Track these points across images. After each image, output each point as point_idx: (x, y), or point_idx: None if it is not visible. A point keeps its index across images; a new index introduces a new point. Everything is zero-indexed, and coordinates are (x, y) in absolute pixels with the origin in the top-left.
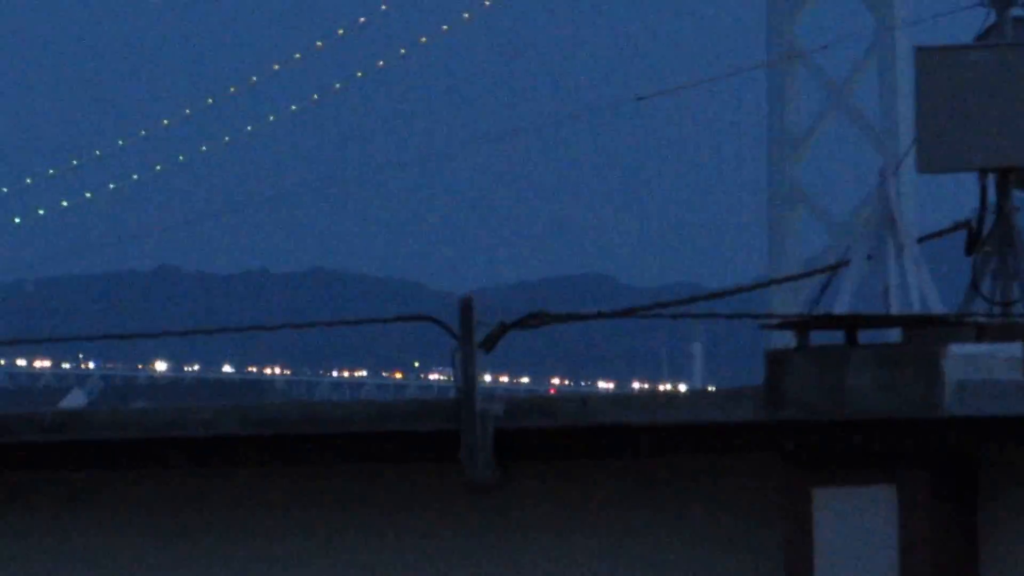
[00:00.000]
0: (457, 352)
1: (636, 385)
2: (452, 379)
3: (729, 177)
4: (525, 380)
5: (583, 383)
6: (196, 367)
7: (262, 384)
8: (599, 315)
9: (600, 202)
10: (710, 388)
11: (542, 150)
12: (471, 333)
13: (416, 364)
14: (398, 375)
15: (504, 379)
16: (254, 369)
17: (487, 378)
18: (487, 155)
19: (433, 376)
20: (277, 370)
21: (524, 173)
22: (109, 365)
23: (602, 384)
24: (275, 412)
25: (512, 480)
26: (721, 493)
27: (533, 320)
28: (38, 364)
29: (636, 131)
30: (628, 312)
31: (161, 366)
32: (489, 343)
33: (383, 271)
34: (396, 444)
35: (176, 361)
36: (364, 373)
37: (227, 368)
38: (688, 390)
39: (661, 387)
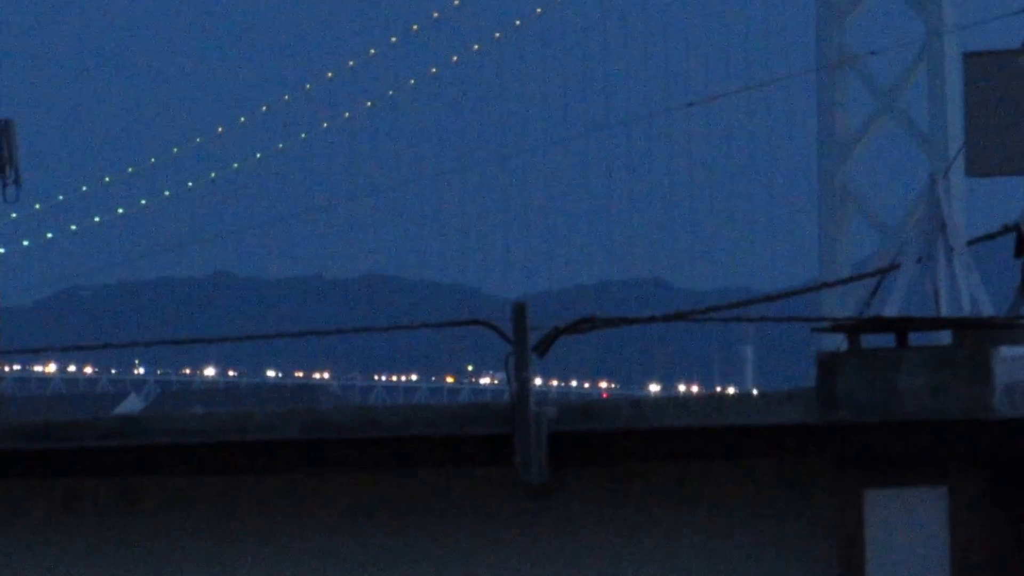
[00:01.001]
0: (511, 356)
1: (688, 388)
2: (505, 383)
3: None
4: (574, 384)
5: (634, 387)
6: (254, 372)
7: (315, 389)
8: (650, 319)
9: (653, 207)
10: (762, 391)
11: (596, 155)
12: (525, 338)
13: (469, 368)
14: (450, 379)
15: (554, 383)
16: (301, 374)
17: (538, 382)
18: (542, 159)
19: (485, 380)
20: (327, 375)
21: (578, 177)
22: (161, 371)
23: (652, 388)
24: (332, 416)
25: (566, 483)
26: (773, 495)
27: (585, 325)
28: (91, 370)
29: (688, 137)
30: (679, 316)
31: (210, 371)
32: (542, 348)
33: (437, 276)
34: (451, 448)
35: (229, 366)
36: (415, 377)
37: (273, 372)
38: (740, 393)
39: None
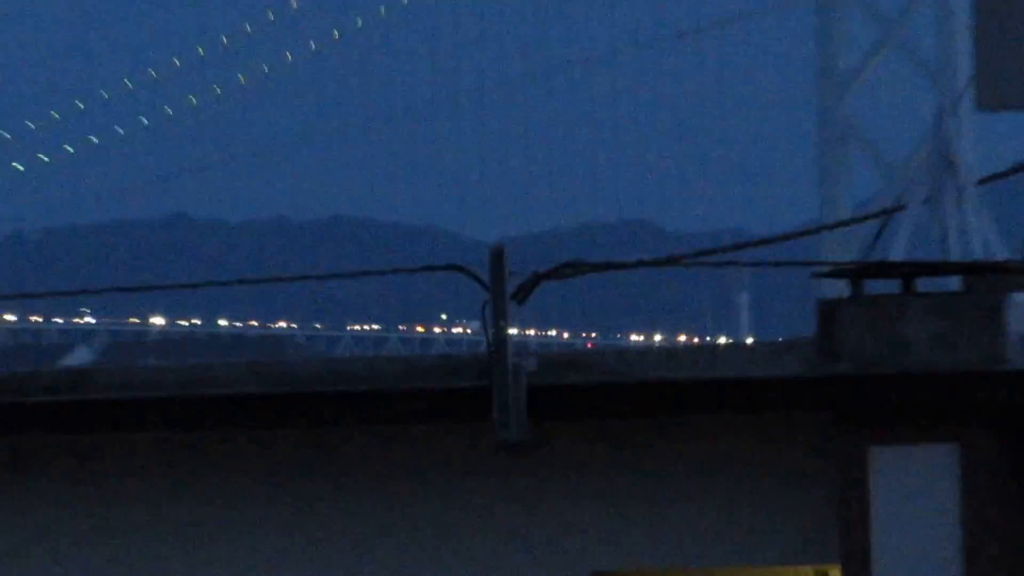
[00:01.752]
0: (487, 304)
1: (678, 338)
2: (482, 333)
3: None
4: (552, 334)
5: (617, 336)
6: (208, 321)
7: (279, 339)
8: (638, 264)
9: (641, 145)
10: (757, 341)
11: (579, 90)
12: (503, 284)
13: (443, 317)
14: (420, 329)
15: (531, 332)
16: (255, 323)
17: (516, 332)
18: (521, 95)
19: (460, 330)
20: (291, 324)
21: (560, 114)
22: (113, 321)
23: (636, 338)
24: (295, 369)
25: (547, 440)
26: (770, 453)
27: (568, 270)
28: (38, 319)
29: (677, 70)
30: (670, 260)
31: (159, 320)
32: (522, 294)
33: (410, 219)
34: (423, 402)
35: (186, 315)
36: (385, 327)
37: (225, 321)
38: (734, 343)
39: (705, 340)
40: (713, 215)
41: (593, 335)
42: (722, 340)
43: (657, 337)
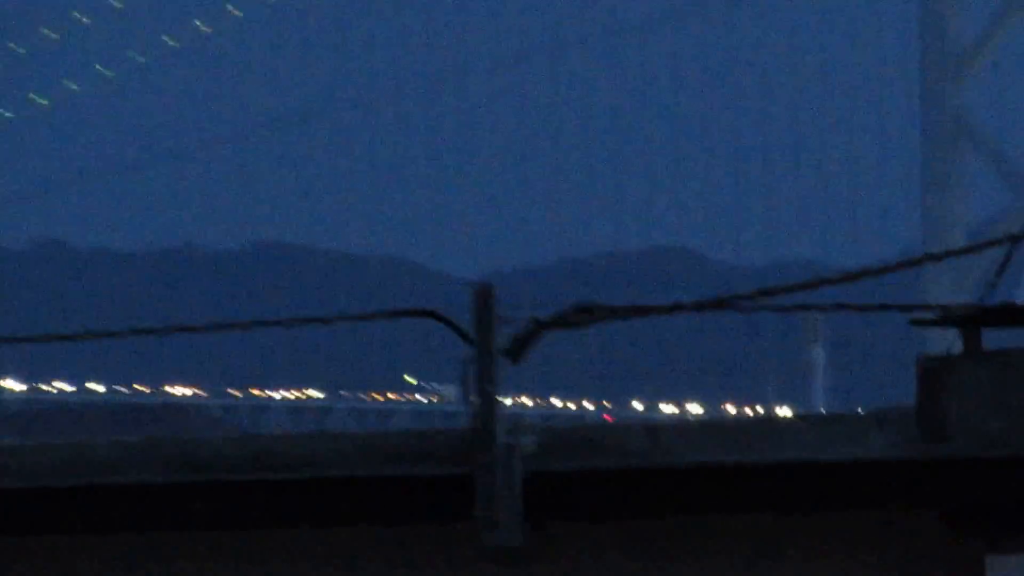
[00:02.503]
0: (471, 363)
1: (729, 410)
2: (461, 402)
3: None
4: (556, 403)
5: (643, 408)
6: (82, 386)
7: (184, 410)
8: (675, 308)
9: (676, 151)
10: (836, 413)
11: (591, 72)
12: (491, 335)
13: (409, 381)
14: (377, 397)
15: (528, 402)
16: (164, 387)
17: (507, 401)
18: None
19: (431, 398)
20: (201, 392)
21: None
22: None
23: (669, 409)
24: (209, 450)
25: (550, 546)
26: (854, 564)
27: (580, 316)
28: None
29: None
30: (719, 303)
31: (15, 385)
32: (517, 350)
33: (360, 246)
34: (382, 496)
35: (51, 376)
36: (329, 394)
37: (119, 387)
38: (804, 416)
39: (764, 412)
40: (775, 242)
41: (611, 405)
42: (786, 412)
43: (696, 409)
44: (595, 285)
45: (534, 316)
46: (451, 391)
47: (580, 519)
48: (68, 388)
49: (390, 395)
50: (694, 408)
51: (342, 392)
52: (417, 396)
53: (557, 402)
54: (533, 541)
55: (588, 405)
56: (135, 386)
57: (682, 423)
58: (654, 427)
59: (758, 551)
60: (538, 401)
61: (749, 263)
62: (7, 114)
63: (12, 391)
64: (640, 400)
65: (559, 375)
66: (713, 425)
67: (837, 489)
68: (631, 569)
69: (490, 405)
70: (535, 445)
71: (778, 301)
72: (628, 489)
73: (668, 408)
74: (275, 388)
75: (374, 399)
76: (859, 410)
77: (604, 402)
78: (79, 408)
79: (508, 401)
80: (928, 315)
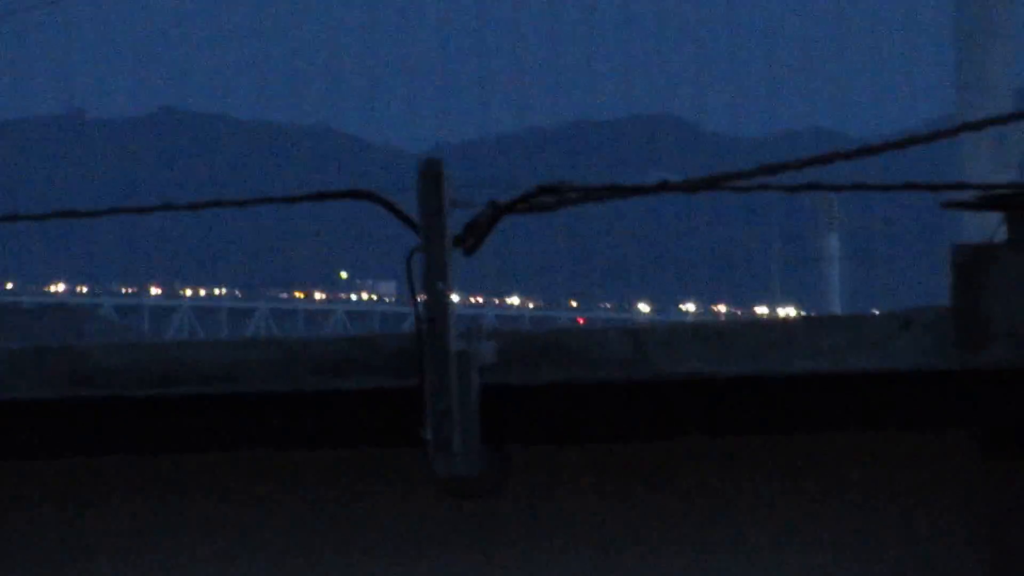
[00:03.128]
0: (416, 254)
1: (722, 310)
2: (405, 301)
3: None
4: (516, 303)
5: (619, 309)
6: None
7: (72, 312)
8: (660, 188)
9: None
10: (854, 315)
11: None
12: (440, 220)
13: (342, 276)
14: (300, 295)
15: (483, 301)
16: (45, 286)
17: (459, 300)
18: None
19: (367, 296)
20: (91, 290)
21: None
22: None
23: (648, 310)
24: (101, 359)
25: (514, 476)
26: (875, 493)
27: (546, 197)
28: None
29: None
30: (712, 181)
31: None
32: (472, 238)
33: (283, 114)
34: (311, 414)
35: None
36: (246, 292)
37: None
38: (816, 318)
39: (766, 312)
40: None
41: (582, 306)
42: (793, 314)
43: (688, 308)
44: (565, 160)
45: (490, 198)
46: (391, 289)
47: (548, 442)
48: None
49: (319, 294)
50: (685, 309)
51: (262, 290)
52: (351, 295)
53: (519, 302)
54: (492, 468)
55: (556, 305)
56: (7, 285)
57: (670, 327)
58: (636, 331)
59: (759, 478)
60: (497, 301)
61: (750, 134)
62: None
63: None
64: (619, 300)
65: (522, 270)
66: (707, 329)
67: (855, 406)
68: (607, 500)
69: (440, 305)
70: (494, 353)
71: (784, 179)
72: (605, 406)
73: (652, 309)
74: (181, 286)
75: (300, 299)
76: (877, 311)
77: (574, 302)
78: None
79: (461, 300)
80: (965, 196)
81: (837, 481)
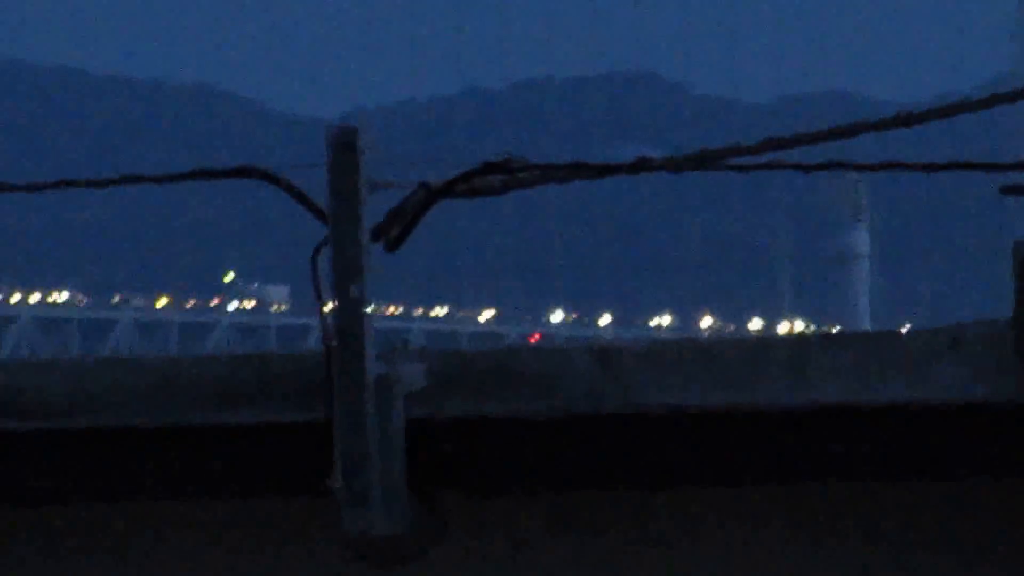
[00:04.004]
0: (324, 248)
1: (706, 324)
2: (307, 311)
3: None
4: (443, 314)
5: (584, 320)
6: None
7: None
8: (639, 166)
9: None
10: (888, 331)
11: None
12: (354, 206)
13: (229, 277)
14: (163, 302)
15: (402, 311)
16: None
17: (380, 310)
18: None
19: (254, 303)
20: None
21: None
22: None
23: (620, 323)
24: None
25: (448, 534)
26: (910, 549)
27: (491, 178)
28: None
29: None
30: (702, 158)
31: None
32: (397, 228)
33: (150, 68)
34: (188, 455)
35: None
36: (101, 298)
37: None
38: (838, 333)
39: (762, 327)
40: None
41: (533, 318)
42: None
43: (661, 322)
44: (516, 129)
45: (423, 179)
46: (283, 294)
47: (493, 490)
48: None
49: (193, 301)
50: (664, 322)
51: (124, 296)
52: (235, 302)
53: (452, 313)
54: (420, 524)
55: (501, 318)
56: None
57: (648, 347)
58: (605, 352)
59: (761, 535)
60: (425, 311)
61: (752, 98)
62: None
63: None
64: (581, 311)
65: (457, 272)
66: (698, 349)
67: (887, 447)
68: (566, 562)
69: (354, 316)
70: (424, 378)
71: (795, 155)
72: (566, 446)
73: (622, 323)
74: (21, 288)
75: (172, 307)
76: (915, 326)
77: (525, 314)
78: None
79: (381, 310)
80: None
81: (862, 539)
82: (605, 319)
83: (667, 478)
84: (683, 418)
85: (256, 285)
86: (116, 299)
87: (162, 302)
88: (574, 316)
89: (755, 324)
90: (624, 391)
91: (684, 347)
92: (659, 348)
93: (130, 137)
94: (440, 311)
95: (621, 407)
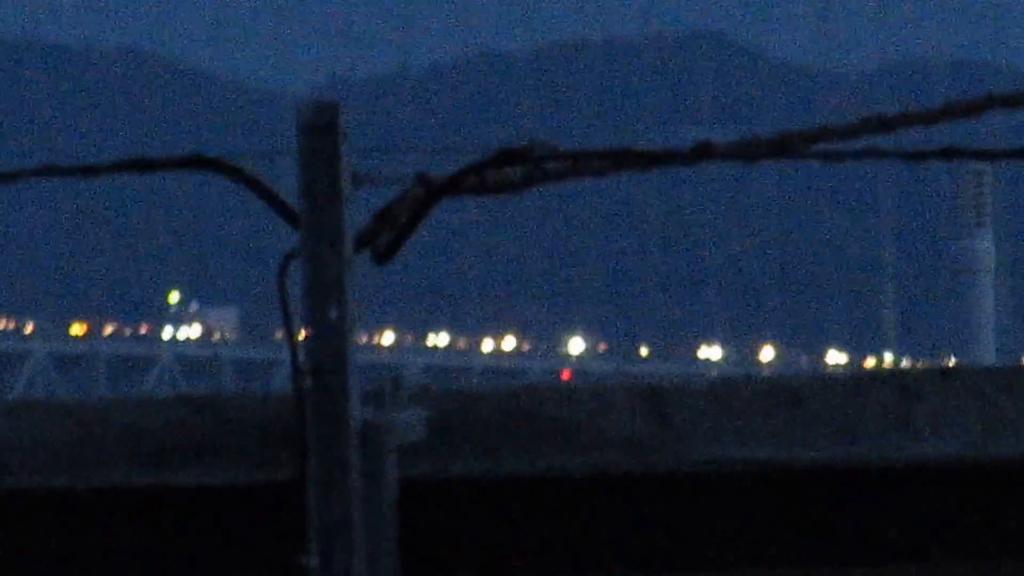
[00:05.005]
0: (294, 259)
1: (766, 356)
2: (269, 342)
3: None
4: (443, 343)
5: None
6: None
7: None
8: (700, 153)
9: None
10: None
11: None
12: (337, 204)
13: (173, 299)
14: (80, 331)
15: (395, 339)
16: None
17: (367, 339)
18: None
19: (196, 332)
20: None
21: None
22: None
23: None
24: None
25: None
26: None
27: (509, 169)
28: None
29: None
30: (781, 143)
31: None
32: (389, 234)
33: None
34: (119, 525)
35: None
36: (10, 326)
37: None
38: (956, 367)
39: (874, 363)
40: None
41: (569, 352)
42: (917, 364)
43: (709, 355)
44: (540, 109)
45: (421, 171)
46: (231, 317)
47: (508, 574)
48: None
49: (126, 329)
50: (715, 354)
51: (39, 323)
52: (171, 329)
53: (458, 342)
54: None
55: (521, 348)
56: None
57: (712, 385)
58: (656, 391)
59: None
60: (424, 339)
61: (838, 64)
62: None
63: None
64: (617, 339)
65: (466, 291)
66: (774, 390)
67: (1020, 517)
68: None
69: (333, 347)
70: (423, 427)
71: (902, 140)
72: (604, 516)
73: (662, 354)
74: None
75: (99, 336)
76: None
77: (551, 344)
78: None
79: (368, 339)
80: None
81: None
82: (689, 353)
83: (734, 556)
84: (756, 479)
85: (195, 307)
86: (29, 327)
87: (81, 329)
88: (602, 346)
89: (834, 356)
90: (680, 443)
91: (757, 387)
92: (724, 388)
93: (43, 116)
94: (442, 340)
95: (676, 464)
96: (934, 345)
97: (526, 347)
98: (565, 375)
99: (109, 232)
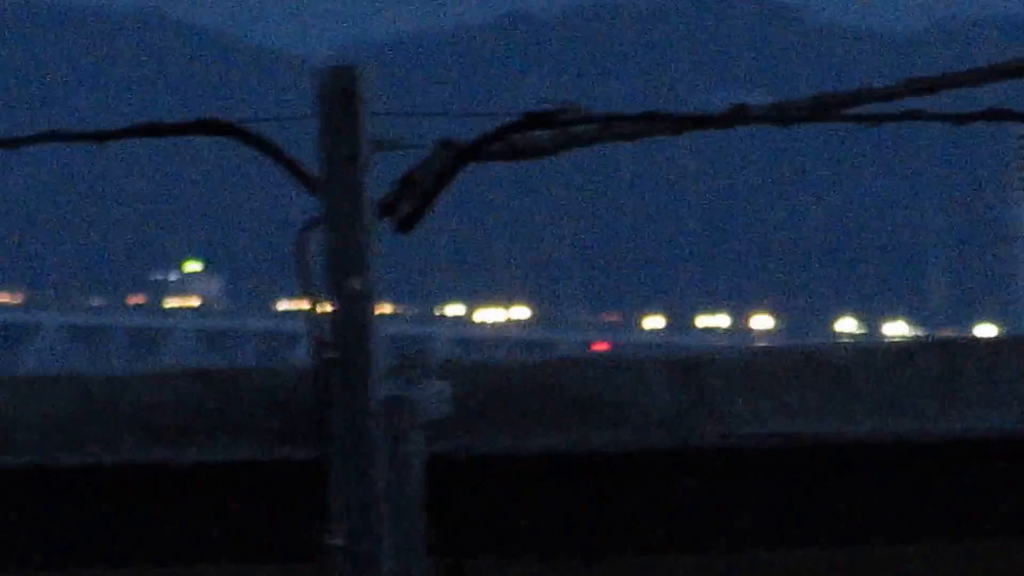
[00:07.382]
0: (314, 229)
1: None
2: (297, 317)
3: None
4: (481, 318)
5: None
6: None
7: None
8: (736, 117)
9: None
10: None
11: None
12: (358, 170)
13: (191, 267)
14: (96, 303)
15: (416, 312)
16: None
17: (390, 309)
18: None
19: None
20: None
21: None
22: None
23: (710, 321)
24: None
25: None
26: None
27: (539, 134)
28: None
29: None
30: (825, 106)
31: None
32: (413, 202)
33: None
34: (129, 503)
35: None
36: (20, 299)
37: None
38: (998, 338)
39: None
40: None
41: (612, 318)
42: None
43: (761, 324)
44: (568, 71)
45: (445, 136)
46: (213, 287)
47: (536, 554)
48: None
49: (132, 299)
50: (763, 322)
51: (51, 292)
52: (187, 299)
53: (485, 313)
54: None
55: (550, 320)
56: None
57: (752, 357)
58: (693, 364)
59: None
60: (450, 311)
61: (884, 25)
62: None
63: None
64: (656, 307)
65: (492, 261)
66: (815, 361)
67: None
68: None
69: (356, 319)
70: (450, 403)
71: (946, 102)
72: (638, 493)
73: (710, 320)
74: None
75: (115, 306)
76: None
77: (587, 312)
78: None
79: (392, 311)
80: None
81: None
82: (707, 320)
83: (775, 534)
84: (796, 454)
85: (175, 276)
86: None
87: (98, 300)
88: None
89: (894, 328)
90: (717, 418)
91: (796, 359)
92: (763, 360)
93: (53, 79)
94: (469, 311)
95: (713, 440)
96: (977, 313)
97: (557, 318)
98: (600, 346)
99: (127, 195)
